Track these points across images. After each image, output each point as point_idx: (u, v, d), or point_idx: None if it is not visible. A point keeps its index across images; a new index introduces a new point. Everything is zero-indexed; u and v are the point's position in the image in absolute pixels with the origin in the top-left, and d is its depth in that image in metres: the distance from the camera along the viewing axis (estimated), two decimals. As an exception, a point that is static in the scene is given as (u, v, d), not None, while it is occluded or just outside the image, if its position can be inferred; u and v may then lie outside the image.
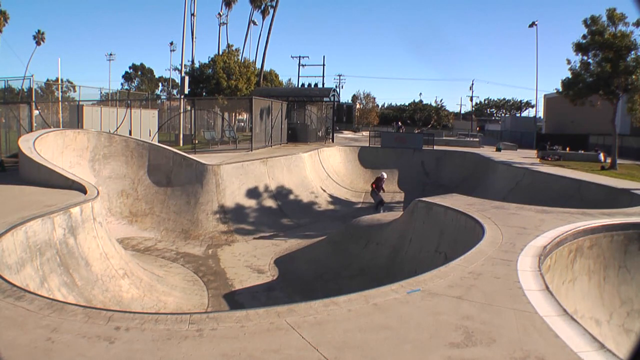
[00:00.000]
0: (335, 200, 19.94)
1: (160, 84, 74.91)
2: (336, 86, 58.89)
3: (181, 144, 24.80)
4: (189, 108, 27.69)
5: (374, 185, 16.92)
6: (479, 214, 8.46)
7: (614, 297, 6.88)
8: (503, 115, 76.03)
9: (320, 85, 38.27)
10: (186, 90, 29.09)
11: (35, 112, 19.80)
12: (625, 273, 7.15)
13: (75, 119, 20.69)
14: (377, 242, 11.30)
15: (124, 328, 3.70)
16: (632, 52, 18.70)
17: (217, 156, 18.27)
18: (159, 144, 17.40)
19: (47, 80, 42.24)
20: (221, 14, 48.60)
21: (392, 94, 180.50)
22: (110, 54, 70.01)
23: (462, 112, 75.37)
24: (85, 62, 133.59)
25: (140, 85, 69.94)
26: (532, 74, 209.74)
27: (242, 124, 46.86)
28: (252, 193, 16.59)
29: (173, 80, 62.78)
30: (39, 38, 57.73)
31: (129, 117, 21.21)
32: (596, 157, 23.95)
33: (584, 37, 19.81)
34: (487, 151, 26.94)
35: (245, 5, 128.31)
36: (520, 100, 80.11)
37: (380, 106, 75.68)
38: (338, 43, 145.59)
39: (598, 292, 6.82)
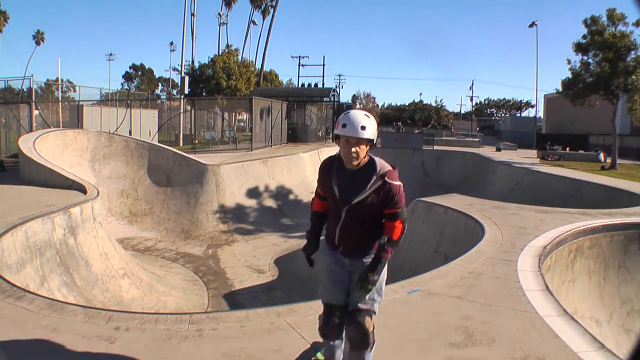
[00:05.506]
0: (335, 200, 19.91)
1: (160, 84, 74.83)
2: (336, 86, 58.67)
3: (181, 144, 24.78)
4: (189, 108, 27.66)
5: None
6: (479, 214, 8.46)
7: (614, 297, 6.88)
8: (503, 115, 75.96)
9: (320, 85, 38.17)
10: (186, 90, 29.08)
11: (35, 112, 19.77)
12: (625, 273, 7.15)
13: (75, 119, 20.70)
14: (377, 242, 11.27)
15: (124, 328, 3.70)
16: (632, 52, 18.74)
17: (217, 156, 18.25)
18: (159, 144, 17.38)
19: (47, 80, 42.30)
20: (221, 14, 48.58)
21: (392, 94, 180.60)
22: (110, 54, 69.90)
23: (462, 112, 75.42)
24: (85, 62, 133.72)
25: (140, 85, 69.80)
26: (532, 74, 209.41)
27: (242, 124, 46.80)
28: (252, 193, 16.58)
29: (173, 80, 62.79)
30: (38, 38, 57.66)
31: (129, 117, 21.20)
32: (596, 157, 23.96)
33: (584, 37, 19.84)
34: (487, 151, 26.93)
35: (245, 5, 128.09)
36: (520, 100, 79.86)
37: (380, 106, 75.56)
38: (338, 43, 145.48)
39: (598, 292, 6.82)
